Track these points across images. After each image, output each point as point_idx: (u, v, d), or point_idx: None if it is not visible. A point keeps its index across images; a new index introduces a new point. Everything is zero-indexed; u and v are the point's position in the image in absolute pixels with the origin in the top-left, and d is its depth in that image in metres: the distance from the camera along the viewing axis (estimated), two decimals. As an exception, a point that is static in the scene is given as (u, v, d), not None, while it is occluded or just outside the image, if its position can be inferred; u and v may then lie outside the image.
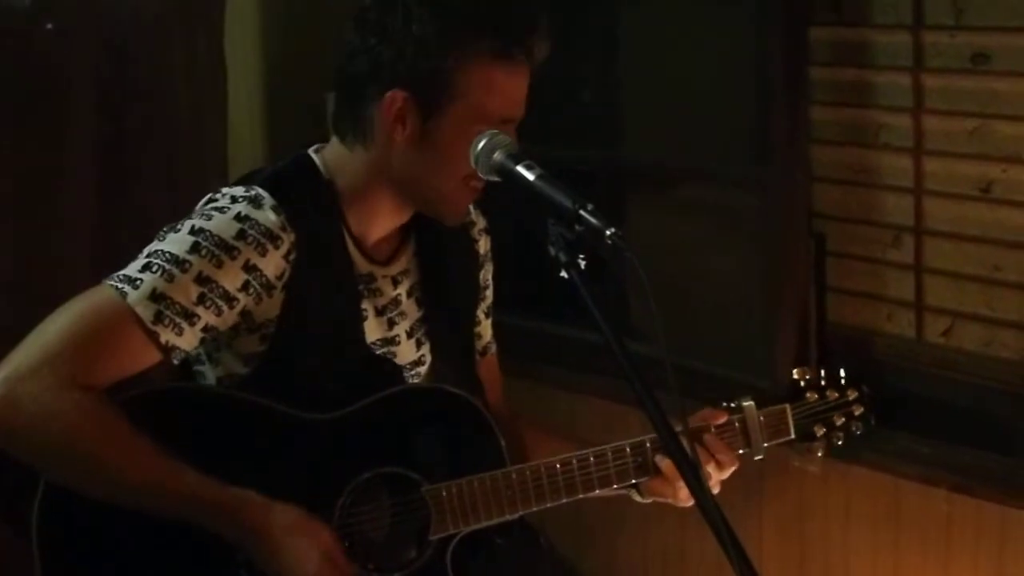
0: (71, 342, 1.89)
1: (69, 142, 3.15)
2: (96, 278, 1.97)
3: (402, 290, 2.18)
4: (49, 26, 3.10)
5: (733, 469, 2.21)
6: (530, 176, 1.85)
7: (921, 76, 2.68)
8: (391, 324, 2.16)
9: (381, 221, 2.14)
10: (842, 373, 2.33)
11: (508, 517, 2.10)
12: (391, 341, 2.16)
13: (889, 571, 2.82)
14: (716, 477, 2.18)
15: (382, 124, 2.03)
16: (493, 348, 2.38)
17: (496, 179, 1.95)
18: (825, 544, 2.92)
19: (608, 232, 1.69)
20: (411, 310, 2.19)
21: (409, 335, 2.19)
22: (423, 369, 2.22)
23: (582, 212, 1.73)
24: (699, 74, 3.16)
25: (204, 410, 2.04)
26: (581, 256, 1.73)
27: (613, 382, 3.04)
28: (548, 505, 2.12)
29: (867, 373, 2.38)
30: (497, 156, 1.92)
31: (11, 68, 3.06)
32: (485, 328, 2.36)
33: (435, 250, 2.21)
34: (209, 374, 2.08)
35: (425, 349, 2.21)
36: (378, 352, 2.14)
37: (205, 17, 3.37)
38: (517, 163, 1.88)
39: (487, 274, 2.34)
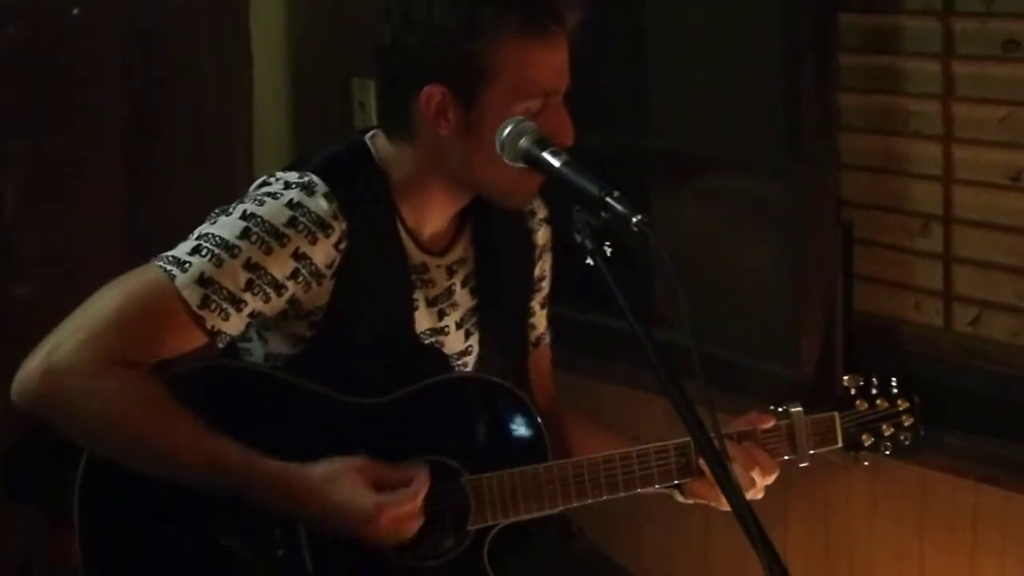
0: (116, 320, 1.89)
1: (95, 127, 3.15)
2: (122, 263, 1.98)
3: (456, 280, 2.16)
4: (75, 11, 3.10)
5: (776, 475, 2.16)
6: (556, 162, 1.84)
7: (951, 63, 2.66)
8: (441, 315, 2.14)
9: (435, 213, 2.11)
10: (894, 382, 2.29)
11: (548, 511, 2.07)
12: (440, 331, 2.14)
13: (915, 562, 2.80)
14: (760, 483, 2.14)
15: (425, 121, 2.00)
16: (547, 339, 2.35)
17: (522, 165, 1.93)
18: (850, 535, 2.91)
19: (634, 219, 1.68)
20: (464, 300, 2.17)
21: (459, 326, 2.17)
22: (470, 359, 2.20)
23: (608, 199, 1.72)
24: (727, 60, 3.14)
25: (248, 389, 2.04)
26: (607, 243, 1.72)
27: (633, 369, 3.03)
28: (588, 501, 2.09)
29: (894, 363, 2.35)
30: (523, 143, 1.91)
31: (36, 54, 3.06)
32: (540, 319, 2.33)
33: (491, 239, 2.18)
34: (257, 351, 2.08)
35: (473, 340, 2.19)
36: (426, 342, 2.13)
37: (231, 2, 3.37)
38: (543, 150, 1.87)
39: (544, 265, 2.30)
